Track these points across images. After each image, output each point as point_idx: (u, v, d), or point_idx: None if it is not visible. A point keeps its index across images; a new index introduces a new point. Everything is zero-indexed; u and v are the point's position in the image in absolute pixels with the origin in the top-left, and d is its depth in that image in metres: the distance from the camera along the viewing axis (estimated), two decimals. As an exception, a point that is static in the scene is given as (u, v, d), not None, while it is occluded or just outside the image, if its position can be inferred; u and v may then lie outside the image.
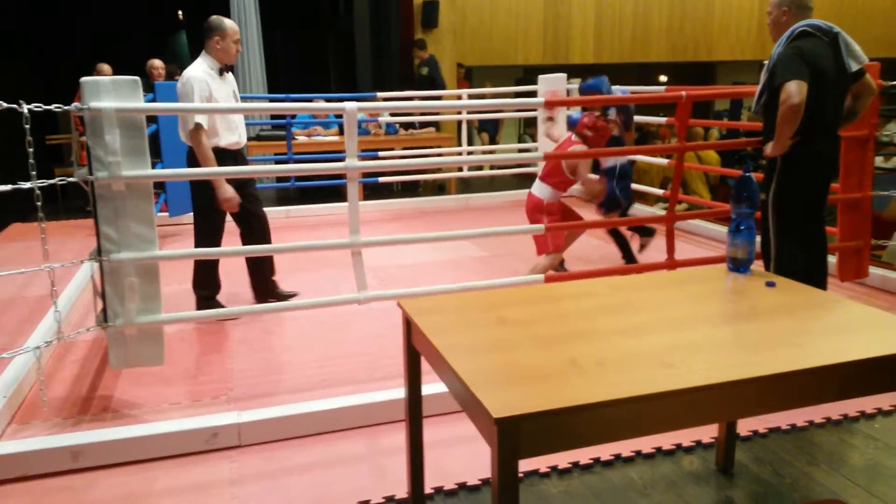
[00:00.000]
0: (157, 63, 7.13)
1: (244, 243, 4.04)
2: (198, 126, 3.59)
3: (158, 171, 3.04)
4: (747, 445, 2.59)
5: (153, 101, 5.59)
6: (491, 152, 8.91)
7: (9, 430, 2.77)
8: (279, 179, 7.82)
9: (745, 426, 2.67)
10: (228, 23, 3.81)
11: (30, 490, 2.39)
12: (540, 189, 4.24)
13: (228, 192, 3.69)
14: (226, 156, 3.79)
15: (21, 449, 2.50)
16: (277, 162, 7.70)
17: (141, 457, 2.56)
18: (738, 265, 2.23)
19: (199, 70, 3.73)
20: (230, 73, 3.94)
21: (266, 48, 9.30)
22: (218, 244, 3.93)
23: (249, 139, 8.10)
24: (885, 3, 12.97)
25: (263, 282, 4.16)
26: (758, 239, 2.94)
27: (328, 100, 7.01)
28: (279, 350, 3.52)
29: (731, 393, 1.54)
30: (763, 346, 1.68)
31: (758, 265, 2.48)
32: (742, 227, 2.22)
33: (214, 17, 3.82)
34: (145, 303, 2.82)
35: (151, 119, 5.70)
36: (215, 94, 3.73)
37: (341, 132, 8.03)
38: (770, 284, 2.10)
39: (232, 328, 3.80)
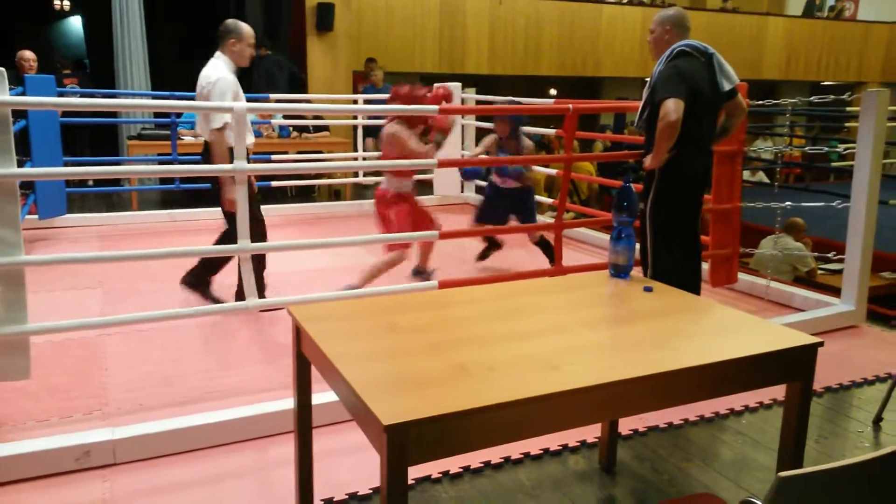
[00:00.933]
0: (28, 55, 6.67)
1: (220, 242, 3.95)
2: (225, 125, 3.62)
3: (25, 171, 2.83)
4: (629, 444, 2.70)
5: (22, 94, 5.21)
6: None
7: None
8: (163, 181, 7.48)
9: (626, 425, 2.78)
10: (245, 27, 3.88)
11: None
12: (385, 182, 4.20)
13: (234, 193, 3.46)
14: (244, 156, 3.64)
15: None
16: (161, 163, 7.36)
17: (4, 479, 2.36)
18: (619, 271, 2.32)
19: (226, 70, 3.81)
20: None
21: (151, 44, 8.89)
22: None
23: (129, 138, 7.72)
24: (751, 29, 14.03)
25: (205, 277, 4.02)
26: (638, 246, 3.08)
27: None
28: (162, 362, 3.35)
29: (612, 393, 1.60)
30: (641, 347, 1.76)
31: (637, 271, 2.60)
32: (623, 235, 2.32)
33: (231, 21, 3.90)
34: (9, 312, 2.62)
35: (20, 115, 5.32)
36: (240, 95, 3.81)
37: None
38: (647, 289, 2.20)
39: (109, 339, 3.59)
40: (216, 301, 3.94)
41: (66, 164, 6.04)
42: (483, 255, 5.09)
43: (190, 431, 2.60)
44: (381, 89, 8.44)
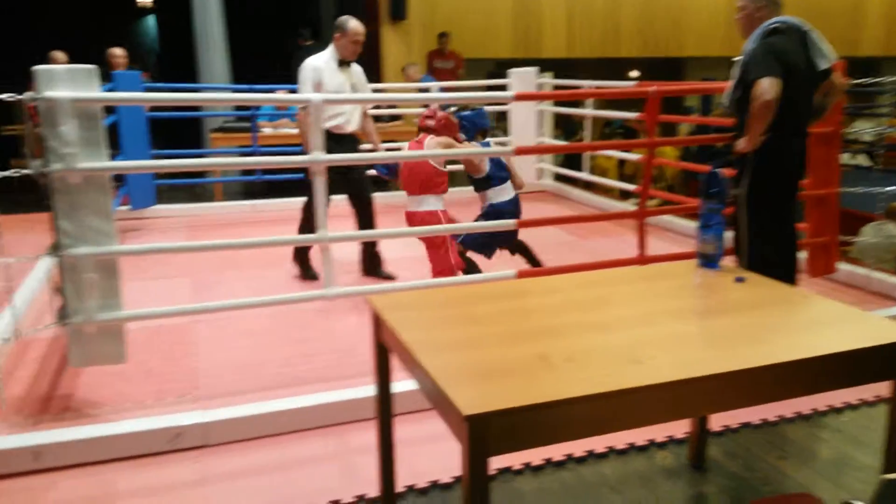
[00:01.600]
0: (118, 51, 6.95)
1: (357, 225, 4.47)
2: (304, 107, 3.98)
3: (116, 163, 2.95)
4: (719, 440, 2.59)
5: (112, 90, 5.45)
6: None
7: (-36, 431, 2.68)
8: (244, 173, 7.69)
9: (717, 421, 2.67)
10: (351, 24, 4.22)
11: (-15, 493, 2.31)
12: (430, 202, 3.79)
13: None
14: (329, 137, 3.88)
15: (-23, 450, 2.42)
16: (243, 154, 7.57)
17: (102, 457, 2.49)
18: (708, 260, 2.22)
19: (319, 59, 4.21)
20: (357, 67, 4.37)
21: (231, 38, 9.14)
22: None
23: (212, 130, 7.94)
24: (848, 2, 13.21)
25: (371, 257, 4.50)
26: (730, 234, 2.95)
27: (292, 91, 6.89)
28: (246, 348, 3.45)
29: (699, 389, 1.53)
30: (732, 341, 1.68)
31: (729, 260, 2.48)
32: (711, 223, 2.21)
33: (342, 17, 4.27)
34: (105, 299, 2.74)
35: (110, 110, 5.57)
36: (327, 82, 4.14)
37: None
38: (739, 280, 2.10)
39: (197, 326, 3.72)
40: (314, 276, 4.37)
41: (153, 157, 6.28)
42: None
43: (275, 416, 2.67)
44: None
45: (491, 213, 4.00)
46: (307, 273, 4.50)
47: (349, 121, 4.33)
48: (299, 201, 4.37)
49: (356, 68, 4.38)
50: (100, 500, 2.27)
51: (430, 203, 3.80)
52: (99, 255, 2.69)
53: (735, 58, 3.27)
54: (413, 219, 3.83)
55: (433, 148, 3.75)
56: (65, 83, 2.58)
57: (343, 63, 4.26)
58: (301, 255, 4.52)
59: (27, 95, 2.60)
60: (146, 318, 3.08)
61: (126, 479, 2.39)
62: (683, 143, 7.42)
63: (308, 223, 4.19)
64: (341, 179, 4.04)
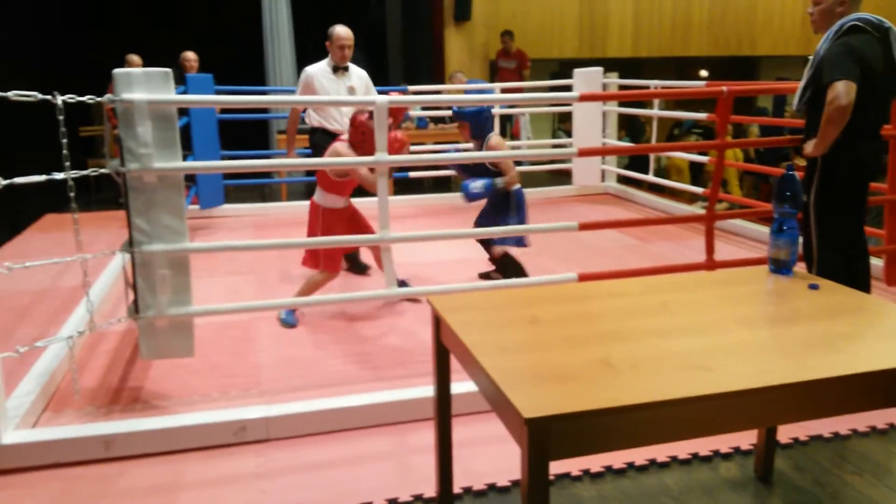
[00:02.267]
0: (191, 55, 7.17)
1: None
2: (293, 109, 4.84)
3: (189, 164, 3.05)
4: (787, 453, 2.50)
5: (185, 93, 5.63)
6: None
7: (43, 417, 2.81)
8: (309, 173, 7.81)
9: (785, 433, 2.58)
10: (336, 30, 4.56)
11: (62, 477, 2.41)
12: (318, 196, 3.81)
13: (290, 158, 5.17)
14: (326, 134, 4.68)
15: (54, 437, 2.53)
16: (307, 155, 7.70)
17: (171, 448, 2.57)
18: (780, 266, 2.15)
19: (314, 66, 4.64)
20: (355, 71, 4.71)
21: (297, 41, 9.32)
22: None
23: (279, 132, 8.12)
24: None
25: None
26: (801, 240, 2.84)
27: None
28: (307, 345, 3.52)
29: (770, 398, 1.48)
30: (805, 350, 1.61)
31: (801, 267, 2.39)
32: (785, 228, 2.14)
33: (332, 26, 4.60)
34: (176, 295, 2.83)
35: (183, 112, 5.75)
36: (325, 87, 4.58)
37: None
38: (813, 287, 2.02)
39: (262, 323, 3.81)
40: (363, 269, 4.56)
41: (222, 158, 6.46)
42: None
43: (336, 413, 2.71)
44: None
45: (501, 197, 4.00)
46: (356, 267, 4.60)
47: (342, 123, 4.63)
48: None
49: (357, 72, 4.72)
50: (167, 488, 2.35)
51: (319, 197, 3.81)
52: (171, 252, 2.78)
53: (810, 56, 3.15)
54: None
55: (337, 150, 3.69)
56: (142, 86, 2.67)
57: (338, 68, 4.60)
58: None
59: (106, 98, 2.70)
60: (214, 314, 3.17)
61: (192, 469, 2.46)
62: (755, 144, 7.20)
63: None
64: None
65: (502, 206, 4.00)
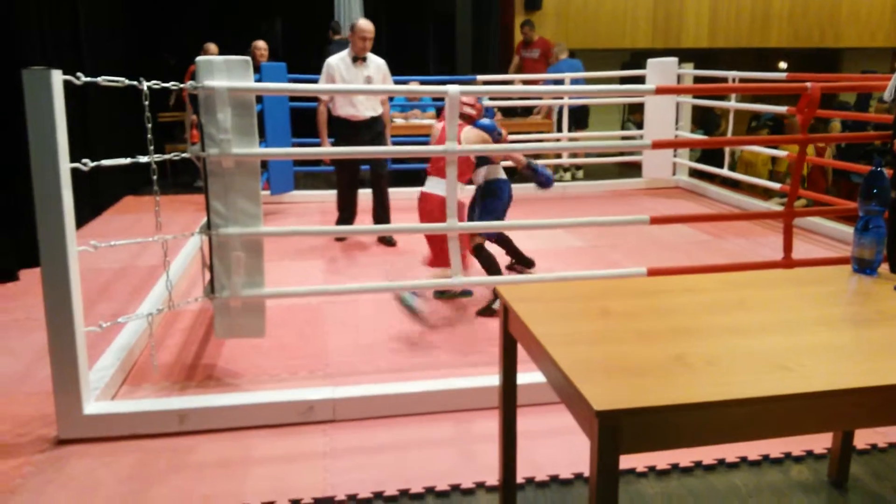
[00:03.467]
0: (261, 44, 7.31)
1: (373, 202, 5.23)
2: (318, 100, 4.98)
3: (266, 150, 3.14)
4: (864, 459, 2.40)
5: (259, 80, 5.76)
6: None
7: (122, 390, 2.94)
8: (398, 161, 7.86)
9: (863, 439, 2.48)
10: (359, 23, 4.82)
11: (137, 448, 2.52)
12: (439, 187, 3.57)
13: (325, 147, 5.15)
14: (345, 124, 4.99)
15: (132, 409, 2.65)
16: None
17: (241, 424, 2.66)
18: (865, 266, 2.06)
19: (335, 57, 4.90)
20: (373, 60, 4.92)
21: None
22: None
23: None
24: None
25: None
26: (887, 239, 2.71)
27: (425, 82, 6.99)
28: (373, 330, 3.57)
29: (851, 401, 1.42)
30: (888, 353, 1.54)
31: (885, 268, 2.29)
32: (871, 226, 2.04)
33: (357, 19, 4.92)
34: (250, 277, 2.91)
35: (257, 99, 5.88)
36: (344, 77, 4.82)
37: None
38: (901, 288, 1.93)
39: (329, 307, 3.88)
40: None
41: (293, 146, 6.59)
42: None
43: (401, 397, 2.74)
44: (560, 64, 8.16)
45: (485, 187, 3.95)
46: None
47: (361, 110, 4.94)
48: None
49: (376, 61, 4.93)
50: (236, 463, 2.42)
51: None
52: (246, 235, 2.87)
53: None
54: (425, 200, 3.74)
55: (470, 136, 3.69)
56: (222, 73, 2.75)
57: (357, 59, 4.82)
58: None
59: (189, 84, 2.79)
60: (285, 296, 3.25)
61: (260, 446, 2.54)
62: (839, 140, 6.89)
63: (345, 213, 5.17)
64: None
65: (490, 197, 3.94)
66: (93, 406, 2.64)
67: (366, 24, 4.83)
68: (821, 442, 2.45)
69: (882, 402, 1.45)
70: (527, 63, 8.47)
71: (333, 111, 4.99)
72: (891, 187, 2.26)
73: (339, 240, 5.17)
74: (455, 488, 2.27)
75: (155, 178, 2.80)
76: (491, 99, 8.05)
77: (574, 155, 7.81)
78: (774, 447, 2.43)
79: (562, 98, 7.23)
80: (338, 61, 4.84)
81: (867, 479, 2.29)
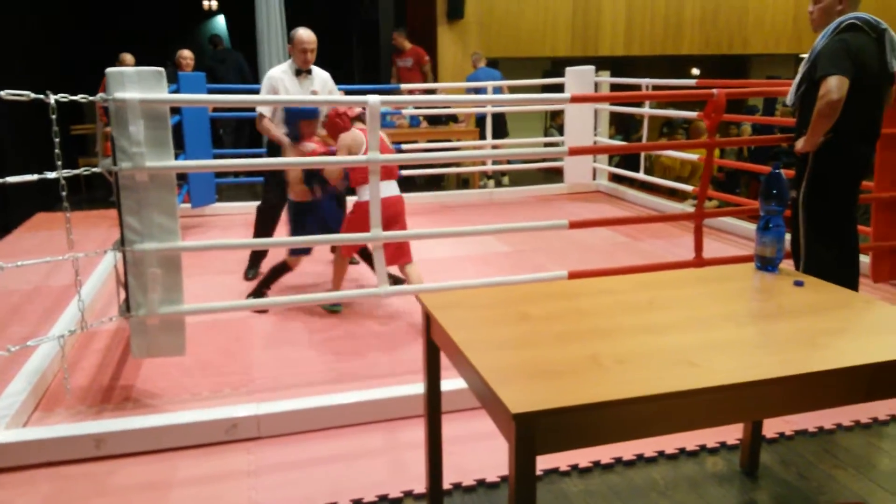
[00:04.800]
0: (187, 53, 7.17)
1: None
2: (260, 115, 4.27)
3: (181, 163, 3.06)
4: (773, 447, 2.53)
5: (177, 91, 5.62)
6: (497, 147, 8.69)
7: (34, 416, 2.81)
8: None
9: (770, 428, 2.61)
10: (298, 33, 4.34)
11: (53, 476, 2.42)
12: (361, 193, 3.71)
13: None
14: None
15: (46, 435, 2.54)
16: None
17: (162, 446, 2.58)
18: (766, 264, 2.17)
19: (278, 69, 4.42)
20: (319, 75, 4.47)
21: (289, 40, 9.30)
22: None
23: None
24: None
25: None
26: (788, 237, 2.87)
27: (349, 92, 6.96)
28: (299, 343, 3.53)
29: (754, 393, 1.50)
30: (789, 345, 1.64)
31: (787, 264, 2.42)
32: (771, 225, 2.16)
33: (295, 29, 4.40)
34: (167, 293, 2.84)
35: (175, 110, 5.74)
36: (289, 90, 4.34)
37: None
38: (798, 284, 2.04)
39: (253, 320, 3.82)
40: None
41: (214, 157, 6.45)
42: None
43: (326, 410, 2.72)
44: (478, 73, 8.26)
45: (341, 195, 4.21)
46: (251, 273, 4.59)
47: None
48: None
49: (321, 75, 4.49)
50: (159, 486, 2.35)
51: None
52: (163, 251, 2.79)
53: (802, 55, 3.18)
54: (400, 202, 3.79)
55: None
56: (134, 85, 2.68)
57: (301, 72, 4.39)
58: (257, 256, 4.68)
59: (98, 97, 2.71)
60: (205, 312, 3.17)
61: (183, 467, 2.47)
62: (744, 143, 7.23)
63: (263, 227, 4.56)
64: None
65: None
66: (2, 434, 2.51)
67: (306, 35, 4.34)
68: (733, 433, 2.56)
69: (782, 393, 1.53)
70: (402, 72, 8.25)
71: (269, 132, 4.29)
72: (790, 187, 2.40)
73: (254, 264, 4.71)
74: (383, 498, 2.26)
75: (64, 194, 2.69)
76: (416, 108, 8.12)
77: (497, 162, 7.94)
78: (690, 440, 2.53)
79: (484, 107, 7.33)
80: (280, 73, 4.39)
81: (776, 467, 2.41)
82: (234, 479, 2.39)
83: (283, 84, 4.39)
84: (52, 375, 3.13)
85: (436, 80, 9.12)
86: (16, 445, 2.49)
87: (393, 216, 3.64)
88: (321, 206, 3.96)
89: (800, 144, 3.11)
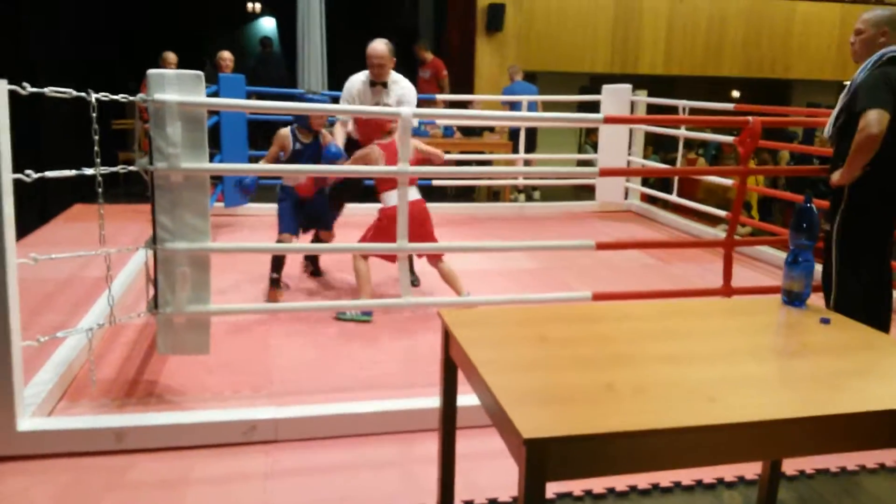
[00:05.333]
0: (227, 55, 7.30)
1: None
2: (341, 122, 4.52)
3: (215, 165, 3.12)
4: (793, 485, 2.48)
5: (216, 92, 5.72)
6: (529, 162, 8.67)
7: (59, 406, 2.87)
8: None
9: (791, 465, 2.56)
10: (370, 46, 4.35)
11: (73, 466, 2.47)
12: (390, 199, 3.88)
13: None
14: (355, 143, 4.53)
15: (68, 426, 2.60)
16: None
17: (181, 443, 2.62)
18: (793, 299, 2.14)
19: (357, 76, 4.49)
20: (396, 90, 4.45)
21: (329, 48, 9.38)
22: None
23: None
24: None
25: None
26: (819, 268, 2.82)
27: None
28: (321, 349, 3.55)
29: (771, 432, 1.47)
30: (811, 385, 1.61)
31: (818, 297, 2.38)
32: (800, 259, 2.13)
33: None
34: (195, 292, 2.88)
35: (213, 111, 5.83)
36: (360, 99, 4.45)
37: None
38: (825, 321, 2.01)
39: (278, 323, 3.85)
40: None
41: (250, 159, 6.54)
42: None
43: (344, 418, 2.74)
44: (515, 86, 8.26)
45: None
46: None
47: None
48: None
49: (399, 91, 4.45)
50: (175, 483, 2.39)
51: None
52: (193, 251, 2.84)
53: (846, 81, 3.13)
54: (422, 205, 3.99)
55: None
56: (173, 87, 2.73)
57: (375, 83, 4.41)
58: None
59: (138, 97, 2.77)
60: (231, 313, 3.22)
61: (201, 466, 2.50)
62: (778, 172, 7.12)
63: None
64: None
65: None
66: (27, 422, 2.57)
67: (370, 48, 4.33)
68: (752, 468, 2.52)
69: (800, 434, 1.50)
70: (420, 83, 8.28)
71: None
72: (822, 221, 2.36)
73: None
74: (394, 510, 2.27)
75: (100, 191, 2.76)
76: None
77: (529, 176, 7.92)
78: (708, 473, 2.50)
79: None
80: (357, 81, 4.46)
81: (795, 504, 2.36)
82: (249, 480, 2.42)
83: (356, 90, 4.46)
84: (80, 367, 3.19)
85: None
86: (39, 434, 2.54)
87: (419, 221, 3.74)
88: (315, 201, 4.21)
89: (836, 177, 3.06)
